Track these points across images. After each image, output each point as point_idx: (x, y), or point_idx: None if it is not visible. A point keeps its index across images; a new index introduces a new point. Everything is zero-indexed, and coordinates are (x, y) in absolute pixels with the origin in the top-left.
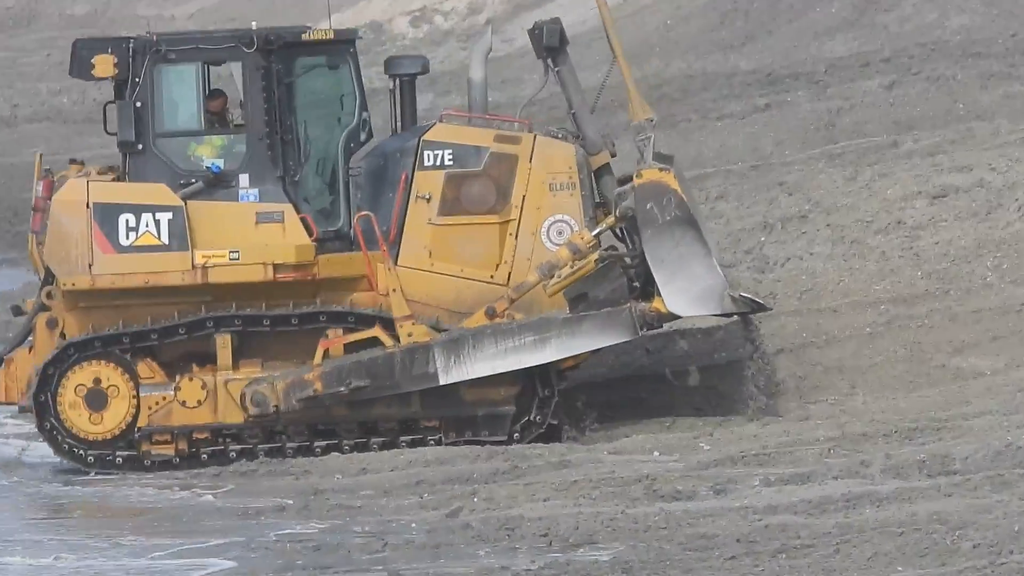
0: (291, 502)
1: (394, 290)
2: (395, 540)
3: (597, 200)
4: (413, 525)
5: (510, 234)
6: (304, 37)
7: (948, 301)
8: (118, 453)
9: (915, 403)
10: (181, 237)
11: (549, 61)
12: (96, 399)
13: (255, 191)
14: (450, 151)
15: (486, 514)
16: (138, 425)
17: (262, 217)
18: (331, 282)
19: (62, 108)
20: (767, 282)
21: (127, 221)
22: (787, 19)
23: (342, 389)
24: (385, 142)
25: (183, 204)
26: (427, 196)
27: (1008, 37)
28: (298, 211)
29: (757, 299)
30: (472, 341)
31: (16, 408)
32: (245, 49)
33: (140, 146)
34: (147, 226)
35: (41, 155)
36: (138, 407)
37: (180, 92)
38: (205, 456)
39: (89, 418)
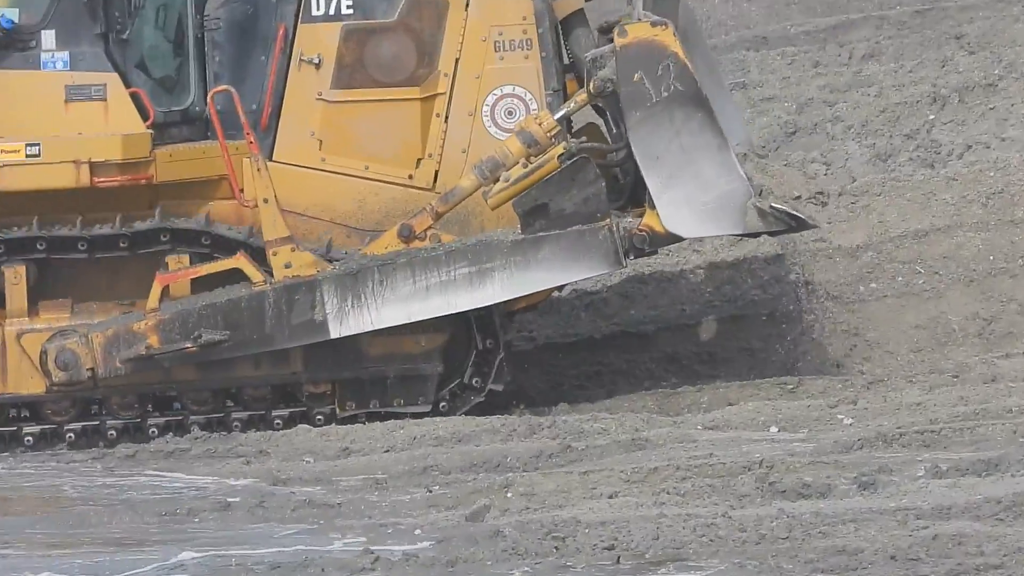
0: (237, 499)
1: (266, 200)
2: (391, 555)
3: (565, 63)
4: (418, 532)
5: (437, 115)
6: None
7: None
8: None
9: None
10: None
11: None
12: None
13: (64, 55)
14: None
15: (524, 516)
16: None
17: (74, 93)
18: (174, 188)
19: None
20: (937, 180)
21: None
22: None
23: (188, 345)
24: None
25: None
26: (316, 60)
27: None
28: (127, 84)
29: (797, 212)
30: (379, 275)
31: None
32: None
33: None
34: None
35: None
36: None
37: None
38: None
39: None
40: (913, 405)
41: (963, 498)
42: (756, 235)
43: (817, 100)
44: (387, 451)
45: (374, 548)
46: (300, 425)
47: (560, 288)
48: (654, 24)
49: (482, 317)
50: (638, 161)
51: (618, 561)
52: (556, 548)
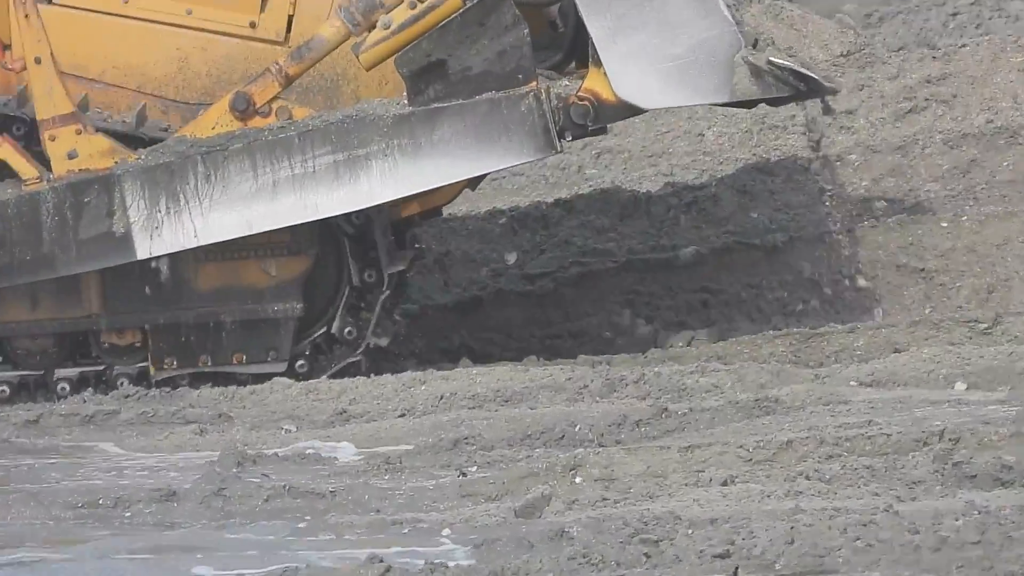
0: (187, 486)
1: (38, 60)
2: (409, 565)
3: None
4: (447, 533)
5: None
6: None
7: None
8: None
9: None
10: None
11: None
12: None
13: None
14: None
15: (600, 511)
16: None
17: None
18: None
19: None
20: None
21: None
22: None
23: None
24: None
25: None
26: None
27: None
28: None
29: (807, 70)
30: (204, 168)
31: None
32: None
33: None
34: None
35: None
36: None
37: None
38: None
39: None
40: None
41: None
42: (749, 104)
43: None
44: (402, 415)
45: (384, 555)
46: (277, 378)
47: (474, 183)
48: None
49: (357, 233)
50: None
51: (735, 574)
52: (646, 556)
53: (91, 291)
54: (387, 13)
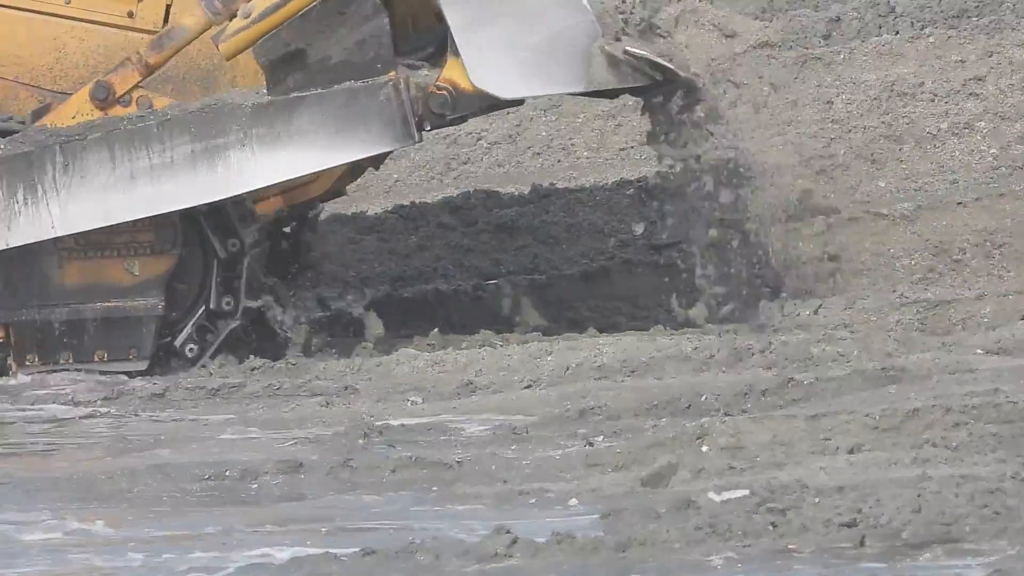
0: (314, 457)
1: None
2: (536, 536)
3: None
4: (574, 503)
5: None
6: None
7: None
8: None
9: None
10: None
11: None
12: None
13: None
14: None
15: (726, 479)
16: None
17: None
18: None
19: None
20: None
21: None
22: None
23: None
24: None
25: None
26: None
27: None
28: None
29: (663, 60)
30: (62, 157)
31: None
32: None
33: None
34: None
35: None
36: None
37: None
38: None
39: None
40: None
41: None
42: (610, 94)
43: None
44: (528, 386)
45: (510, 525)
46: (404, 350)
47: (354, 172)
48: None
49: (216, 213)
50: None
51: (862, 543)
52: (772, 525)
53: None
54: (248, 2)
